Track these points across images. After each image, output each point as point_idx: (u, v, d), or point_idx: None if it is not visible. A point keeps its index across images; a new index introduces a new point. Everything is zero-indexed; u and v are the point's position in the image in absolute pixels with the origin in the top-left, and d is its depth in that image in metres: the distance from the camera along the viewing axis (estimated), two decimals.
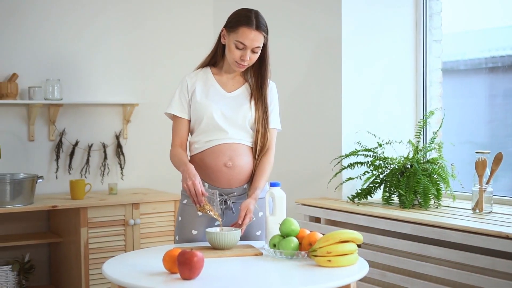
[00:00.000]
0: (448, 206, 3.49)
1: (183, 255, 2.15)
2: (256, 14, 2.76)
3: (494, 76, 3.87)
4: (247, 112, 2.82)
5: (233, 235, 2.56)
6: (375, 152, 3.68)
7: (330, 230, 3.13)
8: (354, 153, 3.71)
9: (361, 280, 3.39)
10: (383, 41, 3.98)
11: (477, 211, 3.26)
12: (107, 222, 4.07)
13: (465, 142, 3.94)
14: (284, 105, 4.09)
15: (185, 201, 2.88)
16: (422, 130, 3.75)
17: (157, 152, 4.72)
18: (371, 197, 3.68)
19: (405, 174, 3.51)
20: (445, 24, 3.96)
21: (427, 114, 3.75)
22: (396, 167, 3.58)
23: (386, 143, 3.70)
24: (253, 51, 2.76)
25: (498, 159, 3.27)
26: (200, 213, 2.81)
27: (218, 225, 2.78)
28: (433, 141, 3.62)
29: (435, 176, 3.48)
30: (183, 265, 2.14)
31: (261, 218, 2.86)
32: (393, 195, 3.58)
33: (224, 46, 2.83)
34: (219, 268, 2.33)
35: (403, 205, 3.47)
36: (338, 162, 3.82)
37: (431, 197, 3.44)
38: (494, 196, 3.35)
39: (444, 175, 3.46)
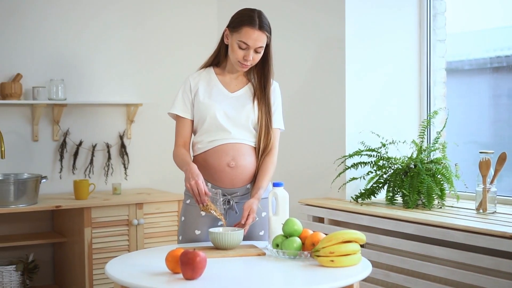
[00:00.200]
0: (452, 206, 3.48)
1: (186, 255, 2.15)
2: (259, 14, 2.76)
3: (498, 76, 3.86)
4: (250, 112, 2.82)
5: (236, 235, 2.56)
6: (378, 152, 3.67)
7: (333, 230, 3.13)
8: (358, 153, 3.71)
9: (364, 280, 3.39)
10: (387, 41, 3.97)
11: (481, 211, 3.25)
12: (110, 222, 4.08)
13: (469, 142, 3.93)
14: (288, 105, 4.08)
15: (188, 201, 2.88)
16: (426, 130, 3.74)
17: (161, 152, 4.72)
18: (375, 197, 3.67)
19: (408, 174, 3.51)
20: (449, 24, 3.95)
21: (431, 114, 3.74)
22: (400, 167, 3.57)
23: (390, 143, 3.69)
24: (256, 51, 2.76)
25: (502, 159, 3.26)
26: (203, 213, 2.81)
27: (221, 225, 2.78)
28: (437, 141, 3.62)
29: (438, 176, 3.47)
30: (186, 265, 2.14)
31: (264, 218, 2.86)
32: (396, 195, 3.57)
33: (227, 46, 2.83)
34: (222, 268, 2.33)
35: (406, 205, 3.46)
36: (342, 162, 3.81)
37: (435, 197, 3.44)
38: (498, 196, 3.34)
39: (448, 175, 3.45)
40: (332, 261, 2.31)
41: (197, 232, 2.83)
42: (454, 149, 3.66)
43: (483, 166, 3.24)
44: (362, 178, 3.70)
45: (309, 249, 2.43)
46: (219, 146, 2.80)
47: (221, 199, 2.73)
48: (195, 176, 2.65)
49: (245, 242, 2.72)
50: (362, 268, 2.33)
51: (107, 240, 4.06)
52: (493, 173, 3.25)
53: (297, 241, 2.45)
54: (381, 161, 3.63)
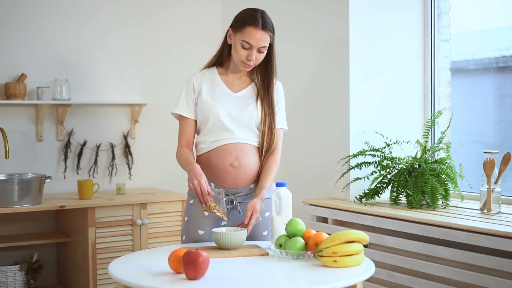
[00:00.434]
0: (456, 206, 3.47)
1: (188, 255, 2.15)
2: (262, 13, 2.76)
3: (503, 76, 3.85)
4: (253, 112, 2.82)
5: (239, 235, 2.55)
6: (382, 152, 3.67)
7: (337, 230, 3.11)
8: (362, 153, 3.70)
9: (368, 280, 3.39)
10: (391, 41, 3.96)
11: (485, 211, 3.24)
12: (114, 222, 4.08)
13: (473, 142, 3.92)
14: (292, 105, 4.08)
15: (191, 201, 2.88)
16: (430, 130, 3.73)
17: (165, 152, 4.72)
18: (379, 197, 3.66)
19: (413, 174, 3.50)
20: (454, 23, 3.94)
21: (435, 114, 3.73)
22: (404, 167, 3.56)
23: (394, 143, 3.68)
24: (259, 51, 2.75)
25: (506, 159, 3.26)
26: (206, 213, 2.81)
27: (224, 225, 2.78)
28: (441, 141, 3.61)
29: (443, 176, 3.47)
30: (188, 265, 2.14)
31: (268, 218, 2.86)
32: (400, 195, 3.57)
33: (230, 46, 2.83)
34: (225, 268, 2.32)
35: (410, 205, 3.45)
36: (346, 162, 3.81)
37: (439, 197, 3.43)
38: (502, 196, 3.33)
39: (452, 175, 3.44)
40: (335, 261, 2.30)
41: (201, 232, 2.83)
42: (458, 149, 3.65)
43: (488, 166, 3.23)
44: (366, 178, 3.70)
45: (312, 249, 2.43)
46: (222, 146, 2.80)
47: (224, 199, 2.73)
48: (198, 176, 2.64)
49: (249, 242, 2.72)
50: (365, 268, 2.33)
51: (111, 240, 4.06)
52: (497, 173, 3.24)
53: (300, 241, 2.45)
54: (385, 161, 3.63)
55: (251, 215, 2.67)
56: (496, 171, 3.24)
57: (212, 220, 2.83)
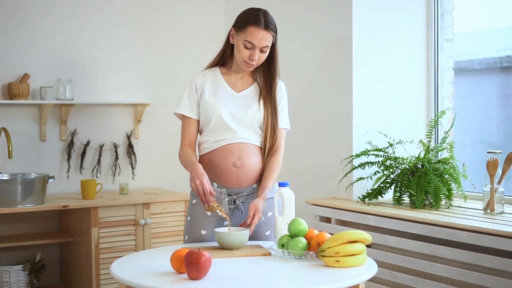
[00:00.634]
0: (459, 207, 3.46)
1: (191, 255, 2.15)
2: (265, 13, 2.75)
3: (507, 75, 3.84)
4: (256, 112, 2.82)
5: (242, 235, 2.55)
6: (386, 152, 3.66)
7: (340, 230, 3.11)
8: (365, 153, 3.69)
9: (371, 280, 3.38)
10: (394, 41, 3.96)
11: (489, 211, 3.23)
12: (117, 222, 4.08)
13: (477, 142, 3.91)
14: (295, 104, 4.08)
15: (194, 201, 2.88)
16: (434, 129, 3.73)
17: (168, 152, 4.72)
18: (382, 197, 3.66)
19: (416, 174, 3.49)
20: (459, 23, 3.93)
21: (439, 113, 3.72)
22: (407, 167, 3.56)
23: (397, 143, 3.67)
24: (261, 51, 2.75)
25: (509, 159, 3.25)
26: (209, 213, 2.81)
27: (227, 225, 2.78)
28: (445, 141, 3.60)
29: (446, 176, 3.46)
30: (191, 265, 2.14)
31: (270, 218, 2.86)
32: (403, 195, 3.56)
33: (233, 45, 2.83)
34: (227, 268, 2.32)
35: (413, 205, 3.45)
36: (349, 162, 3.80)
37: (442, 197, 3.42)
38: (505, 196, 3.32)
39: (455, 175, 3.43)
40: (338, 261, 2.30)
41: (203, 232, 2.83)
42: (462, 149, 3.64)
43: (491, 166, 3.23)
44: (369, 178, 3.69)
45: (314, 249, 2.43)
46: (225, 146, 2.80)
47: (226, 198, 2.73)
48: (200, 175, 2.64)
49: (251, 242, 2.71)
50: (368, 268, 2.33)
51: (114, 240, 4.06)
52: (500, 173, 3.23)
53: (302, 241, 2.44)
54: (388, 161, 3.62)
55: (254, 215, 2.67)
56: (499, 171, 3.23)
57: (214, 220, 2.83)
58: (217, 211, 2.65)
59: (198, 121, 2.87)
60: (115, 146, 4.62)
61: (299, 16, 4.27)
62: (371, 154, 3.69)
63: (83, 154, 4.51)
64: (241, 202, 2.82)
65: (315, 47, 4.13)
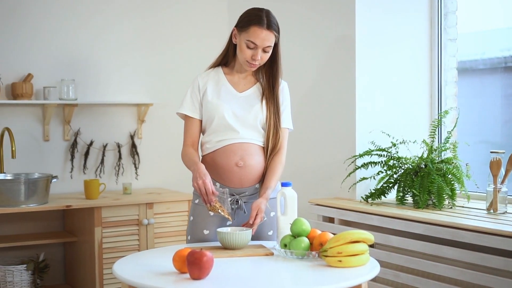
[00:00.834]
0: (463, 207, 3.46)
1: (193, 255, 2.15)
2: (267, 13, 2.75)
3: (510, 75, 3.83)
4: (259, 112, 2.81)
5: (244, 235, 2.55)
6: (389, 152, 3.66)
7: (343, 230, 3.11)
8: (368, 153, 3.69)
9: (374, 280, 3.38)
10: (397, 40, 3.95)
11: (492, 211, 3.23)
12: (121, 222, 4.08)
13: (480, 142, 3.91)
14: (298, 104, 4.08)
15: (197, 201, 2.88)
16: (437, 129, 3.72)
17: (172, 152, 4.72)
18: (385, 197, 3.66)
19: (419, 174, 3.49)
20: (464, 23, 3.92)
21: (442, 113, 3.72)
22: (410, 167, 3.55)
23: (400, 142, 3.67)
24: (264, 51, 2.75)
25: None
26: (211, 213, 2.81)
27: (229, 225, 2.78)
28: (448, 140, 3.60)
29: (449, 176, 3.45)
30: (193, 265, 2.14)
31: (273, 218, 2.86)
32: (407, 195, 3.56)
33: (235, 45, 2.83)
34: (230, 268, 2.32)
35: (417, 205, 3.44)
36: (352, 162, 3.80)
37: (445, 197, 3.42)
38: (509, 196, 3.32)
39: (458, 175, 3.43)
40: (340, 261, 2.30)
41: (206, 232, 2.83)
42: (465, 148, 3.63)
43: (494, 166, 3.22)
44: (372, 178, 3.69)
45: (317, 249, 2.43)
46: (227, 145, 2.79)
47: (229, 198, 2.73)
48: (203, 175, 2.64)
49: (254, 242, 2.71)
50: (370, 268, 2.32)
51: (117, 239, 4.07)
52: (504, 173, 3.23)
53: (305, 241, 2.44)
54: (391, 161, 3.62)
55: (256, 215, 2.67)
56: (502, 171, 3.22)
57: (217, 220, 2.83)
58: (219, 211, 2.65)
59: (201, 121, 2.87)
60: (119, 146, 4.63)
61: (302, 16, 4.26)
62: (374, 154, 3.68)
63: (86, 154, 4.51)
64: (244, 202, 2.81)
65: (318, 46, 4.13)
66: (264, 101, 2.84)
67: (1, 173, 4.18)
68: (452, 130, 3.65)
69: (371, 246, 3.35)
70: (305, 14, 4.24)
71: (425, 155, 3.58)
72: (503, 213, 3.21)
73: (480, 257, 2.88)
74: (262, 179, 2.84)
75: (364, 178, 3.71)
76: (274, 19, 2.75)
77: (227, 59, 2.90)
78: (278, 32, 2.77)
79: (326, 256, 2.32)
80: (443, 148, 3.58)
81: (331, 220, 3.78)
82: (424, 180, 3.43)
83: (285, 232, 2.60)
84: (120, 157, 4.62)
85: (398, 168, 3.60)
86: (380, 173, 3.65)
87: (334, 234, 2.46)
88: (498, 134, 3.89)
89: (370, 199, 3.65)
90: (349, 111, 3.87)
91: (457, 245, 3.04)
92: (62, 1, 4.43)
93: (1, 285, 3.94)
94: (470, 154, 3.68)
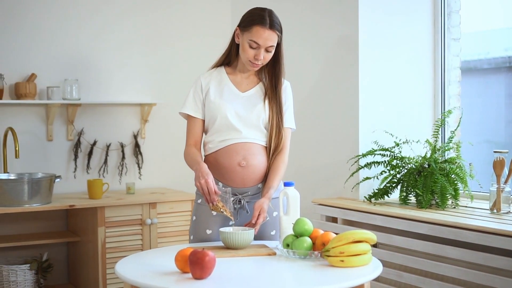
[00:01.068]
0: (466, 206, 3.45)
1: (195, 254, 2.15)
2: (270, 13, 2.75)
3: None
4: (261, 112, 2.81)
5: (247, 234, 2.55)
6: (392, 152, 3.65)
7: (346, 230, 3.11)
8: (371, 152, 3.69)
9: (377, 280, 3.38)
10: (400, 40, 3.94)
11: (495, 211, 3.22)
12: (124, 222, 4.08)
13: (483, 142, 3.90)
14: (301, 104, 4.08)
15: (199, 201, 2.88)
16: (440, 129, 3.71)
17: (175, 151, 4.72)
18: (388, 197, 3.65)
19: (422, 173, 3.48)
20: (467, 22, 3.91)
21: (445, 113, 3.71)
22: (414, 166, 3.55)
23: (404, 142, 3.66)
24: (267, 50, 2.75)
25: None
26: (214, 213, 2.81)
27: (232, 225, 2.78)
28: (451, 140, 3.59)
29: (452, 176, 3.45)
30: (195, 264, 2.14)
31: (276, 217, 2.86)
32: (410, 195, 3.55)
33: (238, 45, 2.83)
34: (232, 267, 2.32)
35: (420, 205, 3.44)
36: (355, 162, 3.79)
37: (449, 197, 3.41)
38: None
39: (462, 174, 3.42)
40: (342, 261, 2.29)
41: (208, 231, 2.83)
42: (468, 148, 3.63)
43: (497, 166, 3.21)
44: (375, 177, 3.68)
45: (319, 249, 2.42)
46: (230, 145, 2.79)
47: (232, 198, 2.73)
48: (205, 175, 2.64)
49: (256, 241, 2.71)
50: (373, 268, 2.32)
51: (121, 239, 4.07)
52: (507, 173, 3.22)
53: (307, 241, 2.44)
54: (394, 161, 3.61)
55: (259, 214, 2.67)
56: (506, 170, 3.21)
57: (220, 220, 2.82)
58: (222, 210, 2.65)
59: (203, 120, 2.87)
60: (122, 146, 4.63)
61: (305, 16, 4.26)
62: (378, 154, 3.68)
63: (90, 153, 4.52)
64: (246, 202, 2.81)
65: (321, 46, 4.13)
66: (266, 101, 2.83)
67: (4, 173, 4.18)
68: (455, 129, 3.64)
69: (374, 246, 3.35)
70: (308, 14, 4.24)
71: (428, 155, 3.57)
72: (507, 213, 3.20)
73: (484, 257, 2.88)
74: (265, 179, 2.84)
75: (367, 178, 3.71)
76: (276, 19, 2.75)
77: (229, 59, 2.90)
78: (281, 32, 2.77)
79: (329, 256, 2.32)
80: (446, 148, 3.58)
81: (334, 220, 3.78)
82: (428, 180, 3.43)
83: (287, 232, 2.60)
84: (123, 157, 4.62)
85: (401, 168, 3.60)
86: (383, 172, 3.64)
87: (336, 234, 2.45)
88: (502, 133, 3.88)
89: (373, 199, 3.65)
90: (352, 111, 3.86)
91: (460, 245, 3.03)
92: (66, 1, 4.43)
93: (4, 285, 3.95)
94: (473, 153, 3.67)
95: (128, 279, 2.21)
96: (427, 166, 3.51)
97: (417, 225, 3.19)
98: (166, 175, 4.80)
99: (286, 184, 2.66)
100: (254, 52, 2.74)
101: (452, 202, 3.47)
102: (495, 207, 3.22)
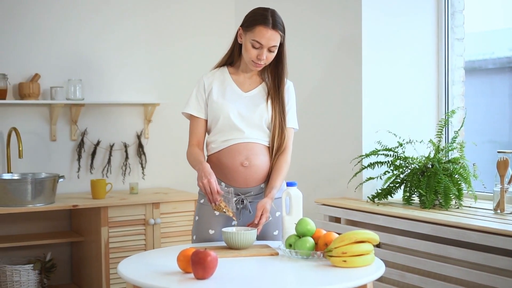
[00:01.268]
0: (469, 207, 3.44)
1: (197, 255, 2.15)
2: (273, 13, 2.75)
3: None
4: (264, 112, 2.81)
5: (249, 235, 2.55)
6: (395, 152, 3.65)
7: (349, 230, 3.11)
8: (375, 152, 3.68)
9: (380, 280, 3.37)
10: (404, 40, 3.94)
11: (499, 211, 3.21)
12: (127, 222, 4.09)
13: (487, 142, 3.89)
14: (304, 104, 4.08)
15: (202, 201, 2.88)
16: (444, 129, 3.71)
17: (178, 151, 4.71)
18: (392, 197, 3.64)
19: (425, 174, 3.47)
20: (471, 22, 3.90)
21: (449, 113, 3.70)
22: (417, 166, 3.54)
23: (407, 142, 3.66)
24: (269, 50, 2.75)
25: None
26: (217, 213, 2.81)
27: (234, 225, 2.78)
28: (455, 140, 3.58)
29: (456, 176, 3.44)
30: (197, 264, 2.14)
31: (279, 218, 2.85)
32: (413, 195, 3.54)
33: (241, 45, 2.82)
34: (234, 268, 2.32)
35: (423, 205, 3.43)
36: (358, 162, 3.79)
37: (452, 197, 3.40)
38: None
39: (465, 175, 3.41)
40: (345, 261, 2.29)
41: (211, 231, 2.83)
42: (472, 148, 3.62)
43: (501, 166, 3.20)
44: (378, 178, 3.68)
45: (322, 249, 2.42)
46: (232, 145, 2.79)
47: (234, 198, 2.72)
48: (208, 174, 2.64)
49: (259, 242, 2.71)
50: (375, 268, 2.32)
51: (124, 239, 4.07)
52: (511, 173, 3.21)
53: (310, 241, 2.44)
54: (398, 161, 3.61)
55: (261, 214, 2.67)
56: (510, 170, 3.20)
57: (222, 220, 2.82)
58: (224, 210, 2.65)
59: (206, 120, 2.87)
60: (125, 146, 4.63)
61: (308, 16, 4.26)
62: (381, 154, 3.67)
63: (93, 153, 4.52)
64: (249, 202, 2.81)
65: (325, 46, 4.12)
66: (269, 101, 2.83)
67: (8, 173, 4.19)
68: (459, 129, 3.63)
69: (377, 246, 3.34)
70: (312, 14, 4.24)
71: (432, 155, 3.56)
72: (510, 213, 3.19)
73: (487, 257, 2.87)
74: (267, 179, 2.83)
75: (370, 178, 3.70)
76: (279, 19, 2.75)
77: (232, 58, 2.90)
78: (284, 32, 2.77)
79: (331, 256, 2.32)
80: (450, 148, 3.57)
81: (337, 220, 3.78)
82: (431, 180, 3.42)
83: (290, 232, 2.59)
84: (127, 157, 4.63)
85: (404, 168, 3.59)
86: (386, 173, 3.64)
87: (339, 234, 2.45)
88: (506, 133, 3.87)
89: (377, 199, 3.64)
90: (356, 111, 3.86)
91: (463, 245, 3.02)
92: (68, 2, 4.44)
93: (8, 285, 3.95)
94: (477, 154, 3.67)
95: (130, 279, 2.21)
96: (430, 166, 3.50)
97: (420, 225, 3.19)
98: (169, 175, 4.80)
99: (289, 184, 2.66)
100: (257, 52, 2.74)
101: (455, 203, 3.46)
102: (498, 208, 3.22)
